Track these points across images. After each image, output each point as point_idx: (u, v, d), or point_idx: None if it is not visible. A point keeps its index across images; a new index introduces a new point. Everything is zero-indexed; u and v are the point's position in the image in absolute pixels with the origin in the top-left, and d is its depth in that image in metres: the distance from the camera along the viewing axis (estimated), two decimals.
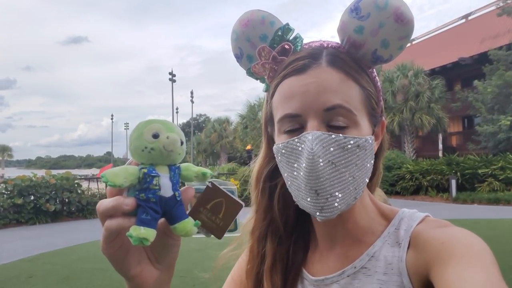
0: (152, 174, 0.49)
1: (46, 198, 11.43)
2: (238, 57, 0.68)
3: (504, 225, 8.82)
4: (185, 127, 68.49)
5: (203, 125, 60.19)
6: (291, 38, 0.63)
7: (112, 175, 0.47)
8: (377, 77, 0.67)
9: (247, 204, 0.75)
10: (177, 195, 0.51)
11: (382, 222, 0.67)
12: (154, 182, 0.49)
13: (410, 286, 0.58)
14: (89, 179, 17.67)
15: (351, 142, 0.58)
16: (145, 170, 0.49)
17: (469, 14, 28.81)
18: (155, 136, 0.49)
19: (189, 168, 0.54)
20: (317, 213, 0.58)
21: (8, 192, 11.33)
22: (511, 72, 16.73)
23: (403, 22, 0.57)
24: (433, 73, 21.33)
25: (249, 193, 0.76)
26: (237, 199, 0.58)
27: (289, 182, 0.62)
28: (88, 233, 9.12)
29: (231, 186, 0.59)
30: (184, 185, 0.55)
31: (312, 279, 0.70)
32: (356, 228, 0.67)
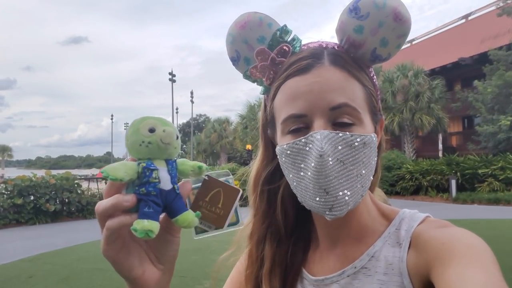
0: (151, 168, 0.49)
1: (46, 198, 11.44)
2: (235, 60, 0.68)
3: (504, 225, 8.82)
4: (185, 127, 68.50)
5: (203, 125, 60.19)
6: (289, 39, 0.63)
7: (112, 169, 0.47)
8: (375, 76, 0.67)
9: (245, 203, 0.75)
10: (176, 188, 0.52)
11: (383, 222, 0.67)
12: (154, 175, 0.49)
13: (410, 287, 0.58)
14: (89, 179, 17.68)
15: (358, 139, 0.58)
16: (144, 164, 0.49)
17: (469, 14, 28.81)
18: (152, 130, 0.50)
19: (185, 162, 0.55)
20: (327, 212, 0.58)
21: (8, 192, 11.35)
22: (511, 72, 16.73)
23: (401, 20, 0.58)
24: (433, 73, 21.32)
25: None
26: (234, 185, 0.58)
27: (294, 183, 0.62)
28: (88, 233, 9.12)
29: (226, 175, 0.60)
30: (180, 181, 0.56)
31: (312, 279, 0.70)
32: (358, 228, 0.67)
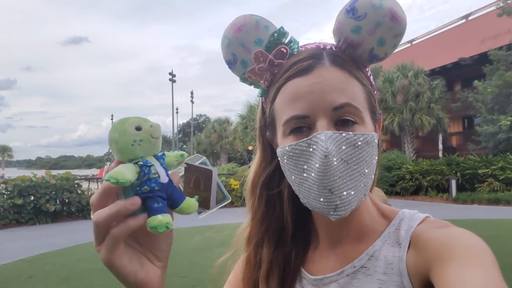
0: (149, 164, 0.50)
1: (46, 199, 11.44)
2: (231, 63, 0.67)
3: (504, 226, 8.82)
4: (185, 127, 68.53)
5: (203, 125, 60.16)
6: (286, 41, 0.63)
7: (119, 174, 0.47)
8: (371, 75, 0.68)
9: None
10: (171, 179, 0.53)
11: (383, 222, 0.68)
12: (153, 171, 0.50)
13: (410, 286, 0.58)
14: (89, 179, 17.69)
15: (361, 139, 0.58)
16: (141, 163, 0.49)
17: (469, 15, 28.81)
18: (138, 128, 0.49)
19: (169, 154, 0.56)
20: (331, 212, 0.58)
21: (8, 193, 11.34)
22: (511, 72, 16.72)
23: (398, 20, 0.59)
24: (433, 73, 21.31)
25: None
26: (207, 167, 0.59)
27: (297, 185, 0.62)
28: (88, 233, 9.06)
29: (200, 158, 0.61)
30: None
31: (311, 278, 0.70)
32: (359, 228, 0.67)
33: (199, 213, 0.60)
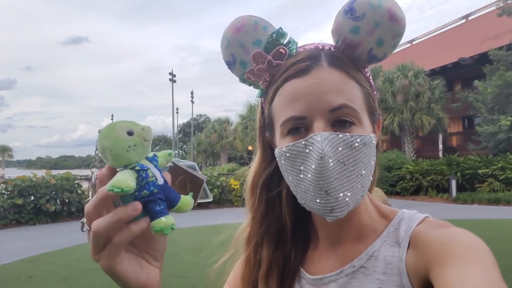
0: (145, 168, 0.49)
1: (46, 199, 11.44)
2: (231, 64, 0.68)
3: (504, 226, 8.82)
4: (185, 127, 68.47)
5: (203, 125, 60.14)
6: (285, 42, 0.63)
7: (122, 182, 0.45)
8: (371, 76, 0.68)
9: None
10: (166, 179, 0.52)
11: (382, 222, 0.68)
12: (150, 174, 0.49)
13: (409, 286, 0.58)
14: (89, 179, 17.67)
15: (358, 140, 0.58)
16: (138, 167, 0.49)
17: (469, 15, 28.80)
18: (130, 133, 0.49)
19: (158, 154, 0.55)
20: (327, 214, 0.58)
21: (8, 193, 11.33)
22: (511, 72, 16.72)
23: (397, 20, 0.59)
24: (433, 73, 21.31)
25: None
26: (198, 174, 0.60)
27: (294, 186, 0.62)
28: (88, 233, 9.09)
29: (190, 162, 0.62)
30: None
31: (310, 278, 0.70)
32: (358, 228, 0.67)
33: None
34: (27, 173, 13.40)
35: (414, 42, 31.31)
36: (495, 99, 17.36)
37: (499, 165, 14.53)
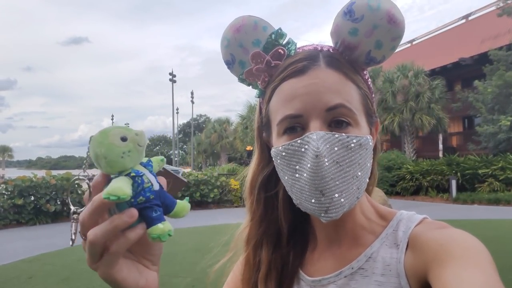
0: (140, 174, 0.48)
1: (47, 199, 11.44)
2: (230, 63, 0.68)
3: (504, 226, 8.82)
4: (186, 128, 68.49)
5: (203, 125, 60.12)
6: (284, 42, 0.63)
7: (119, 189, 0.44)
8: (369, 79, 0.68)
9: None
10: (161, 185, 0.52)
11: (380, 223, 0.68)
12: (145, 180, 0.48)
13: None
14: (89, 179, 17.66)
15: (354, 141, 0.58)
16: (133, 174, 0.48)
17: (469, 15, 28.80)
18: (124, 139, 0.47)
19: (153, 160, 0.55)
20: (322, 214, 0.58)
21: (9, 193, 11.33)
22: (511, 72, 16.72)
23: (396, 23, 0.59)
24: (433, 73, 21.30)
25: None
26: (182, 178, 0.62)
27: (290, 185, 0.62)
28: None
29: (177, 168, 0.64)
30: None
31: (309, 280, 0.70)
32: (355, 229, 0.67)
33: None
34: (27, 173, 13.40)
35: (414, 42, 31.32)
36: (495, 99, 17.36)
37: (499, 165, 14.52)
